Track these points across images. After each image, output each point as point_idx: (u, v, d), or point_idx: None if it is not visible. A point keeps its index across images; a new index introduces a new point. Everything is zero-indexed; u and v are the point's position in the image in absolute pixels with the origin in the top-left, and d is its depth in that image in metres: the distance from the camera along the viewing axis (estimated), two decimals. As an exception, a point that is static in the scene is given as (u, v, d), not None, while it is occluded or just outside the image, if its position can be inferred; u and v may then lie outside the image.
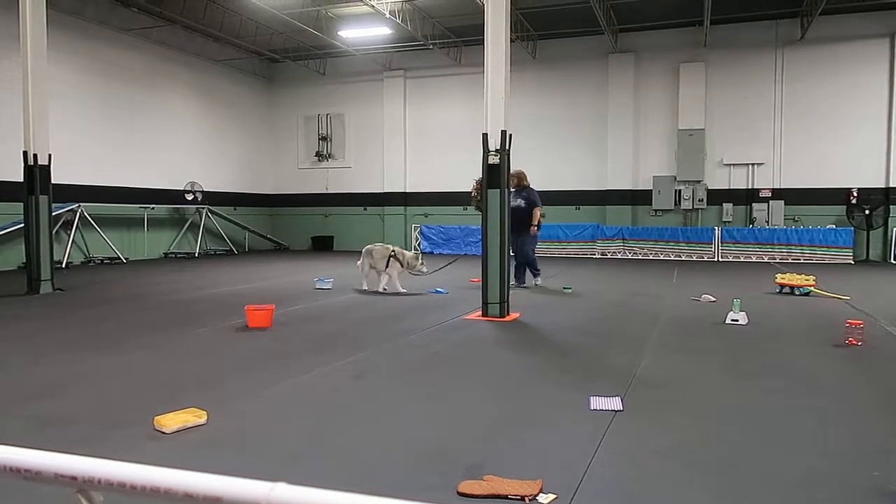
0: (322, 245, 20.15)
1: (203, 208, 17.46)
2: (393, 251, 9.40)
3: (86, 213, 14.15)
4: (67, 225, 13.90)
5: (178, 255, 16.78)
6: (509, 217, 8.36)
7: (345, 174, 20.27)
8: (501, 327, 6.76)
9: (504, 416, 3.77)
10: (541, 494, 2.68)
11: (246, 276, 12.17)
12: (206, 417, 3.55)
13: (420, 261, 9.43)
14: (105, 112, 15.28)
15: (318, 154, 20.47)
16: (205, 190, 17.56)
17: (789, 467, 3.00)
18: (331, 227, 20.38)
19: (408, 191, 19.55)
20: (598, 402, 3.95)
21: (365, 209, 20.01)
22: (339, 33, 16.48)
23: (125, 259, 15.09)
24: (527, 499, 2.63)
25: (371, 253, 9.54)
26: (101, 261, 14.61)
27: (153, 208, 16.20)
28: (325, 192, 20.42)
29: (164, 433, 3.37)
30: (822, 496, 2.71)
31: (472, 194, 9.43)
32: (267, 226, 20.64)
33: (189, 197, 17.21)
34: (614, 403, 3.93)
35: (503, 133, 7.18)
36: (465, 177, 14.54)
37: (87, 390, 4.31)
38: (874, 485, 2.80)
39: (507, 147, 7.19)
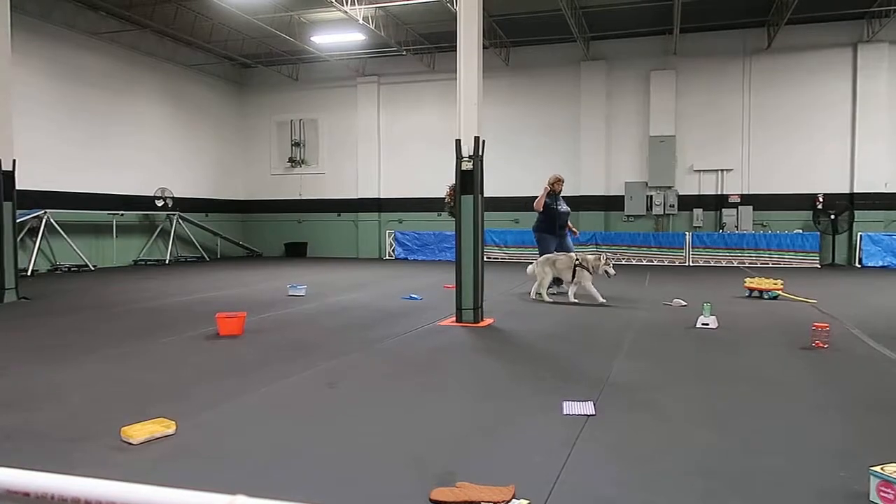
0: (295, 252, 20.01)
1: (174, 215, 17.22)
2: (577, 260, 8.98)
3: (52, 220, 13.86)
4: (33, 232, 13.61)
5: (149, 263, 16.52)
6: (562, 220, 9.25)
7: (318, 180, 20.16)
8: (475, 333, 6.76)
9: (477, 423, 3.76)
10: (513, 500, 2.67)
11: (218, 283, 12.02)
12: (174, 428, 3.49)
13: (604, 261, 8.90)
14: (72, 117, 15.01)
15: (291, 160, 20.34)
16: (175, 196, 17.33)
17: (759, 470, 3.04)
18: (304, 233, 20.24)
19: (382, 197, 19.51)
20: (570, 408, 3.96)
21: (339, 215, 19.91)
22: (311, 39, 16.40)
23: (93, 267, 14.81)
24: (499, 505, 2.62)
25: (554, 263, 9.14)
26: (69, 269, 14.32)
27: (122, 215, 15.94)
28: (299, 198, 20.29)
29: (131, 444, 3.30)
30: (791, 499, 2.75)
31: (446, 200, 9.47)
32: (239, 232, 20.44)
33: (159, 203, 16.96)
34: (587, 408, 3.95)
35: (476, 139, 7.20)
36: (440, 182, 14.56)
37: (52, 401, 4.21)
38: (841, 486, 2.84)
39: (480, 153, 7.21)
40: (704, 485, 2.88)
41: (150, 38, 16.85)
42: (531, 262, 9.76)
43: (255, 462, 3.14)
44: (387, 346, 6.08)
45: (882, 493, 2.66)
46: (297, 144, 20.31)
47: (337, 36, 16.40)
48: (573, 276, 8.91)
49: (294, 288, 9.91)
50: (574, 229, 10.58)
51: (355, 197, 19.70)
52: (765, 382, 4.71)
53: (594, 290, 8.83)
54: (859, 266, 15.35)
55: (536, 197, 10.11)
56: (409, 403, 4.19)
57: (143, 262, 16.55)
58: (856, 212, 15.64)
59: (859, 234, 15.52)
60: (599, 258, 8.90)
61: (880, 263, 15.17)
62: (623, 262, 16.31)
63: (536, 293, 9.25)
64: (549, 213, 10.01)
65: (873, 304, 8.85)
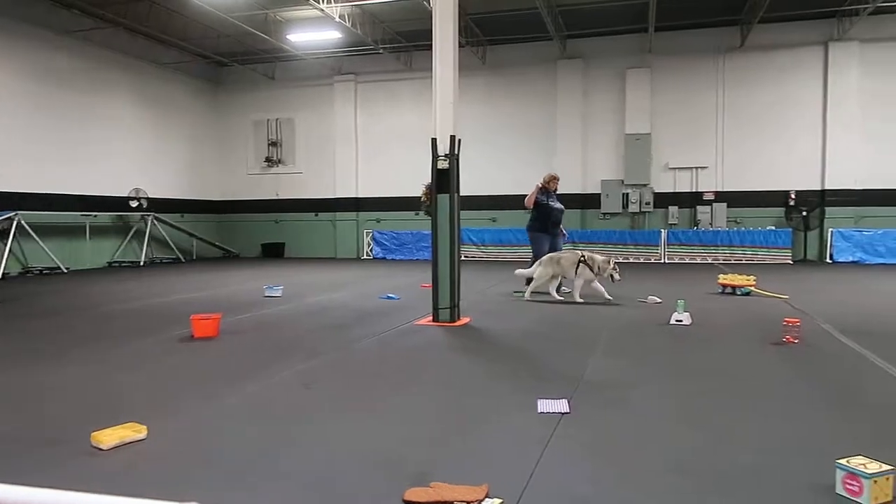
0: (273, 252, 19.87)
1: (148, 216, 17.00)
2: (583, 256, 8.94)
3: (23, 222, 13.61)
4: (4, 234, 13.35)
5: (123, 265, 16.29)
6: (556, 217, 9.22)
7: (295, 180, 20.03)
8: (452, 332, 6.77)
9: (453, 422, 3.77)
10: (486, 499, 2.68)
11: (193, 284, 11.90)
12: (145, 432, 3.45)
13: (612, 265, 8.79)
14: (44, 116, 14.74)
15: (267, 159, 20.18)
16: (150, 197, 17.11)
17: (732, 466, 3.08)
18: (281, 233, 20.11)
19: (360, 196, 19.44)
20: (545, 406, 3.98)
21: (316, 215, 19.81)
22: (287, 37, 16.28)
23: (66, 269, 14.57)
24: (472, 504, 2.64)
25: (559, 261, 9.06)
26: (41, 271, 14.07)
27: (96, 216, 15.70)
28: (276, 198, 20.14)
29: (101, 449, 3.26)
30: (763, 494, 2.79)
31: (422, 199, 9.44)
32: (215, 233, 20.24)
33: (133, 204, 16.74)
34: (561, 406, 3.98)
35: (452, 138, 7.20)
36: (418, 181, 14.55)
37: (23, 405, 4.14)
38: (812, 481, 2.89)
39: (456, 152, 7.21)
40: (679, 482, 2.92)
41: (124, 37, 16.60)
42: (517, 263, 9.75)
43: (227, 466, 3.12)
44: (364, 346, 6.06)
45: (847, 486, 2.72)
46: (273, 144, 20.16)
47: (313, 34, 16.30)
48: (576, 272, 8.85)
49: (271, 289, 9.84)
50: (563, 231, 10.40)
51: (333, 196, 19.61)
52: (737, 378, 4.77)
53: (601, 287, 8.80)
54: (830, 261, 15.61)
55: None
56: (385, 403, 4.19)
57: (117, 264, 16.33)
58: (827, 208, 15.91)
59: (830, 230, 15.79)
60: (609, 261, 8.80)
61: (850, 259, 15.45)
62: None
63: (531, 292, 9.13)
64: (544, 211, 9.84)
65: (843, 300, 9.01)
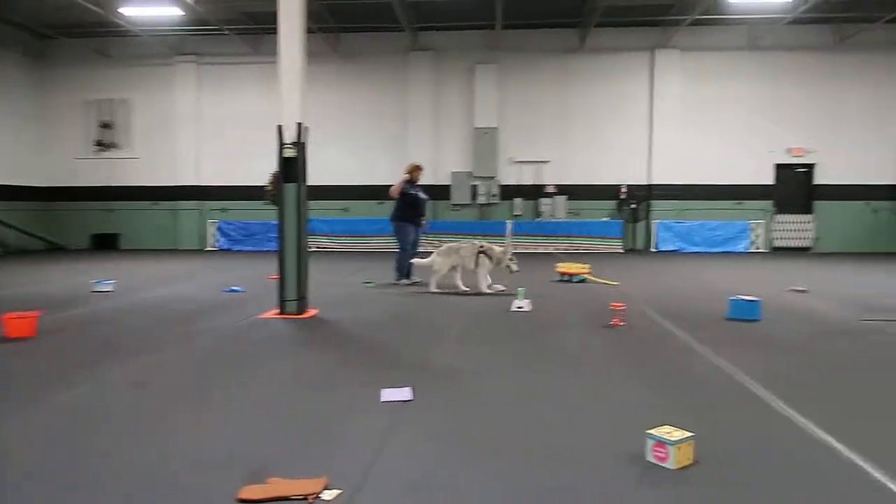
0: (105, 244, 18.40)
1: (-47, 202, 15.09)
2: (482, 247, 8.76)
3: None
4: None
5: (-79, 258, 14.36)
6: (422, 208, 9.21)
7: (131, 166, 18.63)
8: (298, 325, 6.65)
9: (294, 416, 3.72)
10: (325, 491, 2.68)
11: (9, 280, 10.75)
12: (-58, 446, 3.08)
13: (509, 256, 8.72)
14: None
15: (99, 143, 18.59)
16: (-45, 181, 15.18)
17: (562, 443, 3.30)
18: (115, 223, 18.64)
19: (204, 184, 18.46)
20: (389, 395, 4.03)
21: (155, 204, 18.56)
22: (119, 10, 15.04)
23: None
24: (310, 497, 2.62)
25: (458, 251, 8.84)
26: None
27: None
28: (108, 184, 18.61)
29: None
30: (584, 466, 3.02)
31: (268, 188, 9.14)
32: (38, 223, 18.32)
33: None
34: (405, 394, 4.05)
35: (299, 126, 7.06)
36: (267, 170, 14.06)
37: None
38: (628, 451, 3.16)
39: (303, 140, 7.07)
40: (511, 461, 3.08)
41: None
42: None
43: (42, 483, 2.87)
44: (204, 341, 5.80)
45: (656, 453, 3.01)
46: (106, 126, 18.59)
47: (150, 9, 15.21)
48: (476, 264, 8.81)
49: (100, 283, 9.11)
50: (425, 220, 10.38)
51: (174, 184, 18.46)
52: (570, 360, 5.11)
53: (484, 283, 8.79)
54: (655, 251, 17.10)
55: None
56: (224, 400, 4.04)
57: (-87, 257, 14.36)
58: (652, 202, 17.39)
59: (655, 221, 17.29)
60: (506, 251, 8.81)
61: (672, 248, 17.03)
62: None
63: (436, 284, 9.00)
64: (411, 202, 9.79)
65: (663, 285, 9.92)
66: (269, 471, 2.87)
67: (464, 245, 9.06)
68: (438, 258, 8.98)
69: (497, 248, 8.87)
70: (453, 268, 8.97)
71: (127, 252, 17.37)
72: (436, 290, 8.91)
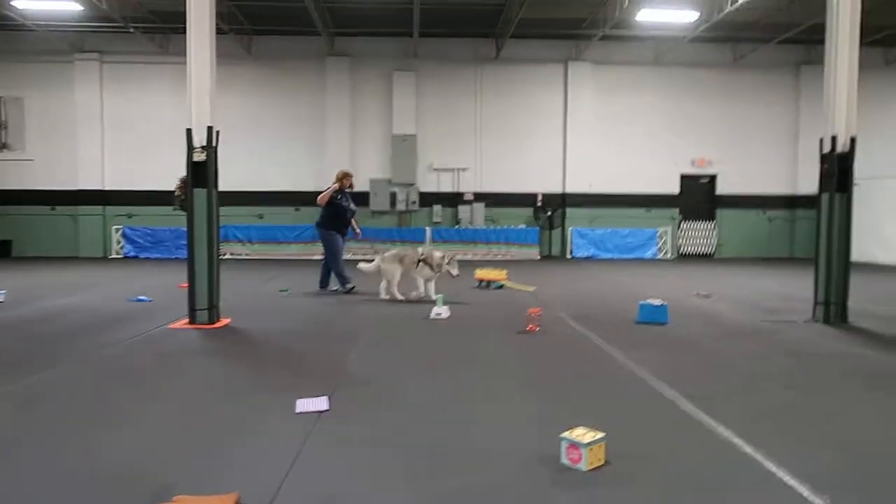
0: (-4, 251, 17.13)
1: None
2: (422, 254, 8.61)
3: None
4: None
5: None
6: (347, 219, 9.06)
7: (25, 168, 17.42)
8: (209, 335, 6.40)
9: (203, 431, 3.57)
10: (235, 508, 2.58)
11: None
12: None
13: (447, 261, 8.57)
14: None
15: (-12, 143, 17.33)
16: None
17: (475, 448, 3.31)
18: (8, 229, 17.38)
19: (107, 188, 17.53)
20: (304, 405, 3.94)
21: (53, 209, 17.46)
22: (12, 3, 14.09)
23: None
24: (219, 515, 2.52)
25: (402, 259, 8.69)
26: None
27: None
28: None
29: None
30: (498, 470, 3.04)
31: (176, 193, 8.78)
32: (-82, 228, 16.88)
33: None
34: (321, 404, 3.96)
35: (210, 129, 6.83)
36: (175, 174, 13.53)
37: None
38: (543, 453, 3.20)
39: (214, 144, 6.84)
40: (426, 467, 3.06)
41: None
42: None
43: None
44: (105, 354, 5.49)
45: (570, 455, 3.07)
46: (-4, 125, 17.36)
47: (46, 3, 14.33)
48: (416, 270, 8.70)
49: (-10, 293, 8.48)
50: (357, 229, 10.27)
51: (74, 188, 17.43)
52: (486, 365, 5.15)
53: (423, 288, 8.66)
54: (570, 257, 17.57)
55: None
56: (128, 416, 3.83)
57: None
58: (567, 209, 17.87)
59: (570, 228, 17.76)
60: (444, 257, 8.68)
61: (586, 254, 17.53)
62: (370, 257, 16.69)
63: (388, 293, 8.78)
64: (337, 210, 9.61)
65: (578, 290, 10.19)
66: (177, 489, 2.73)
67: (408, 252, 8.99)
68: (385, 265, 8.84)
69: (437, 254, 8.77)
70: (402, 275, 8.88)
71: (20, 259, 16.27)
72: (386, 297, 8.77)
